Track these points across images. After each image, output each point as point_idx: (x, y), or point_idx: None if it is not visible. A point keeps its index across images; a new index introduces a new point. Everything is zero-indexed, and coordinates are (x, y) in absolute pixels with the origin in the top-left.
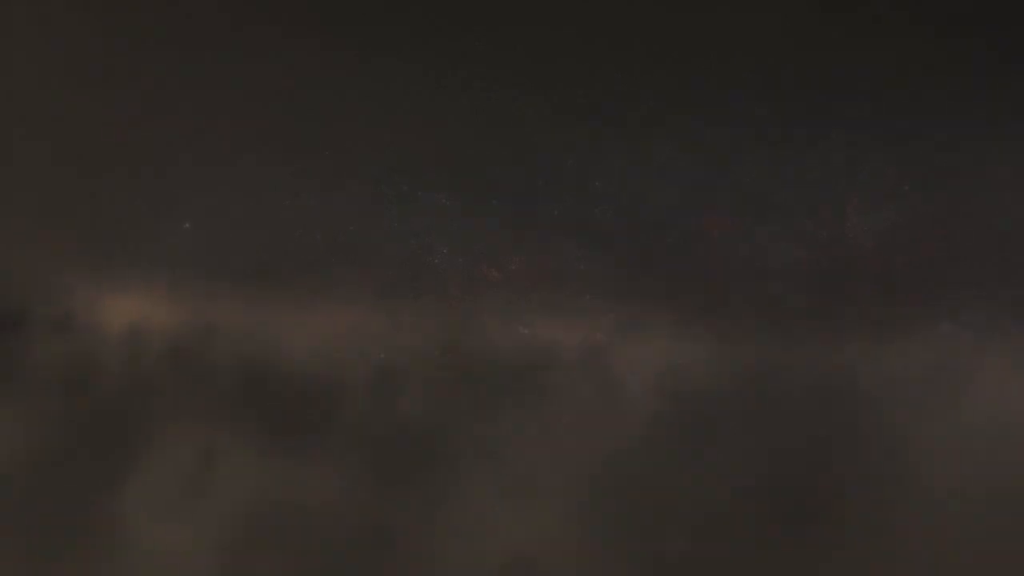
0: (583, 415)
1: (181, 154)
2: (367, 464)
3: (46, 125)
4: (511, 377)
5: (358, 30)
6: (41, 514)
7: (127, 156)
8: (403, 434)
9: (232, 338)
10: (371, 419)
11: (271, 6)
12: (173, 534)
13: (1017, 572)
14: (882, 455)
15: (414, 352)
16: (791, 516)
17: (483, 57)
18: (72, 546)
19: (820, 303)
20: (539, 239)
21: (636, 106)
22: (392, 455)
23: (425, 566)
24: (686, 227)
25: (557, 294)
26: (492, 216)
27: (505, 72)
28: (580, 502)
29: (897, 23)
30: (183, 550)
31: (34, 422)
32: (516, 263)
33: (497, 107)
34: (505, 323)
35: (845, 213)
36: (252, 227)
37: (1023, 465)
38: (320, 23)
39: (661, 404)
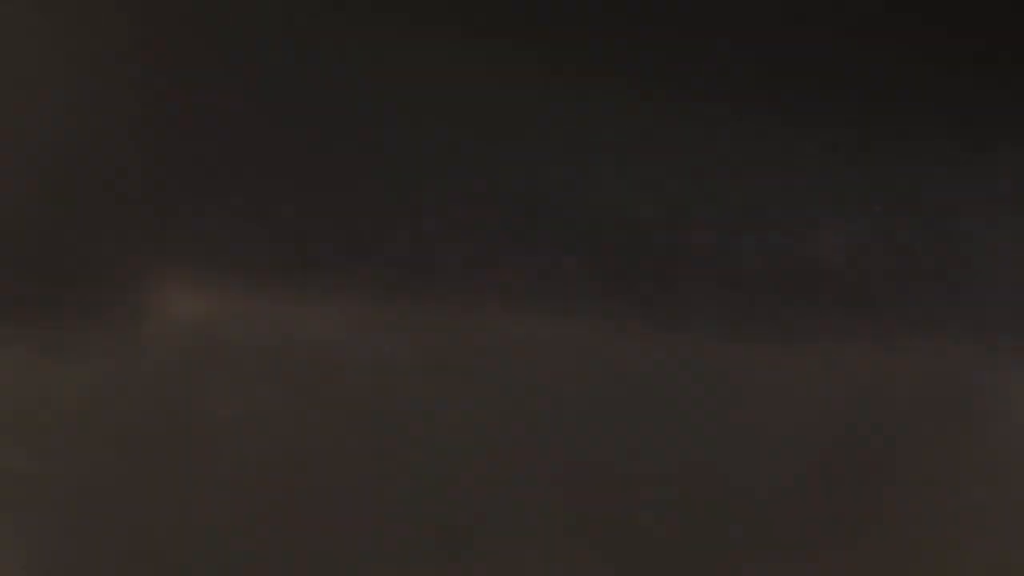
0: (556, 405)
1: (203, 160)
2: (364, 431)
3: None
4: (501, 370)
5: (367, 34)
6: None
7: (156, 160)
8: (395, 412)
9: (249, 325)
10: (369, 398)
11: (279, 7)
12: (215, 472)
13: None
14: (837, 458)
15: (414, 344)
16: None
17: (482, 64)
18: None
19: (790, 312)
20: (534, 244)
21: (629, 121)
22: (383, 427)
23: (404, 506)
24: (668, 237)
25: (548, 295)
26: (491, 220)
27: (505, 80)
28: (532, 464)
29: (877, 47)
30: (227, 478)
31: (91, 392)
32: (511, 265)
33: (498, 114)
34: (499, 321)
35: (818, 229)
36: (267, 227)
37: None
38: (327, 27)
39: (630, 397)
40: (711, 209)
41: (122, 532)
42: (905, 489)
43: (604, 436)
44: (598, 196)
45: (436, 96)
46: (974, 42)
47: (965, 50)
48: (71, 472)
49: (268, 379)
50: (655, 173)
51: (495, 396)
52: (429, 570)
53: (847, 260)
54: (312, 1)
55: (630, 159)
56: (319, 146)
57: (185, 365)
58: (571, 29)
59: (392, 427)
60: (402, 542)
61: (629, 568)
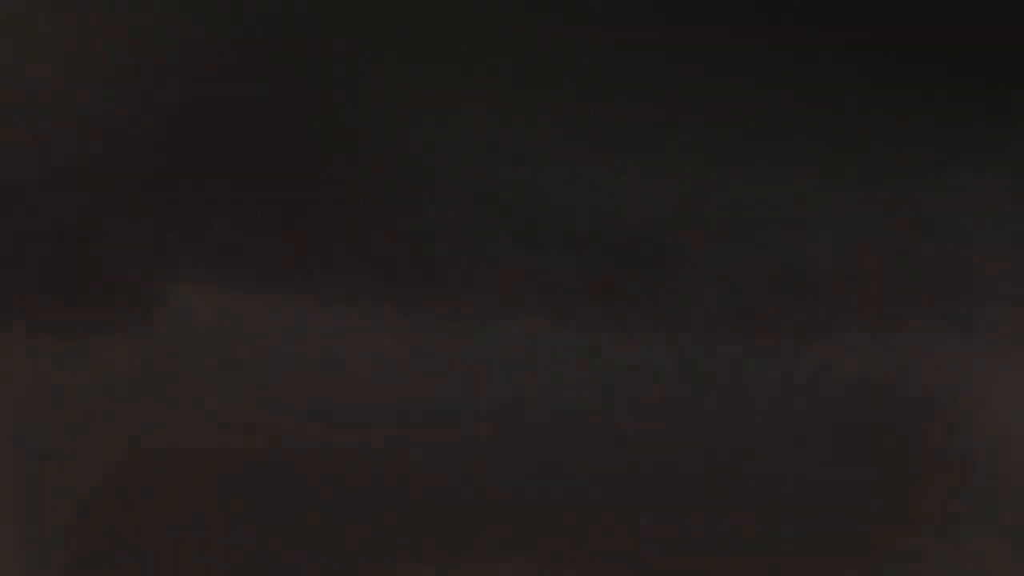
0: (555, 404)
1: (209, 166)
2: (364, 429)
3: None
4: (500, 370)
5: (367, 38)
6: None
7: (165, 166)
8: (395, 411)
9: (253, 326)
10: (369, 398)
11: (283, 14)
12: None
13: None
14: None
15: (414, 344)
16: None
17: (481, 66)
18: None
19: (787, 312)
20: (533, 244)
21: (627, 123)
22: (383, 425)
23: (404, 503)
24: (666, 238)
25: (547, 295)
26: (491, 220)
27: (504, 83)
28: (530, 462)
29: (875, 47)
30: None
31: (98, 392)
32: (511, 265)
33: (498, 116)
34: (499, 321)
35: (814, 229)
36: (271, 229)
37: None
38: (329, 32)
39: (628, 396)
40: (708, 210)
41: (126, 531)
42: (902, 487)
43: (602, 435)
44: (596, 198)
45: (436, 99)
46: (972, 42)
47: (963, 50)
48: (75, 471)
49: (271, 378)
50: (652, 175)
51: (494, 395)
52: (428, 568)
53: (844, 260)
54: (315, 8)
55: (628, 161)
56: (321, 149)
57: (191, 365)
58: (569, 32)
59: (392, 426)
60: (402, 539)
61: (629, 567)
